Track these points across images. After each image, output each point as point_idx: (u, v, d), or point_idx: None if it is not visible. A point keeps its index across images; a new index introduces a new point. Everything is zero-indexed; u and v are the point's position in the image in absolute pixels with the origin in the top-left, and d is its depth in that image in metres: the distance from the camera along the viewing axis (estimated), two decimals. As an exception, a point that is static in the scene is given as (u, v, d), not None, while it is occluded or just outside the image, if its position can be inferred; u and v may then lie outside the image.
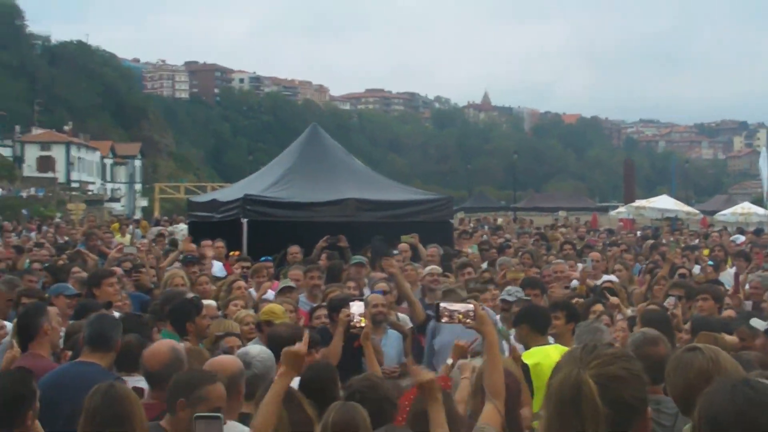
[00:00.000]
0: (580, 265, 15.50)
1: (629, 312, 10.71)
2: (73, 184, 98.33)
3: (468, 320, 5.79)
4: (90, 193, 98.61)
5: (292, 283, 12.26)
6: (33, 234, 30.78)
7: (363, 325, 7.99)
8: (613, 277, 14.27)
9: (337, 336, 8.90)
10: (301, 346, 5.86)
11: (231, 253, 16.72)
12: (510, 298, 10.83)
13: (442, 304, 6.01)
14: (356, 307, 8.08)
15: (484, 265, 16.74)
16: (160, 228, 30.73)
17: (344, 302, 9.20)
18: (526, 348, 8.60)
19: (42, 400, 5.51)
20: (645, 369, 3.27)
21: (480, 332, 5.86)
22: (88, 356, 6.98)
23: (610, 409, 3.00)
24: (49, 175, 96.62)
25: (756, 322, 8.17)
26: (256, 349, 6.90)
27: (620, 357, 3.16)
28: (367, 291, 12.59)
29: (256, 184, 21.61)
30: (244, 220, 18.80)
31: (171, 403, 5.51)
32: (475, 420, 5.49)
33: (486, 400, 5.52)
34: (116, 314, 9.80)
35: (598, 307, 10.19)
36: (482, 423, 5.29)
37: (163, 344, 6.71)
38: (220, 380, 5.63)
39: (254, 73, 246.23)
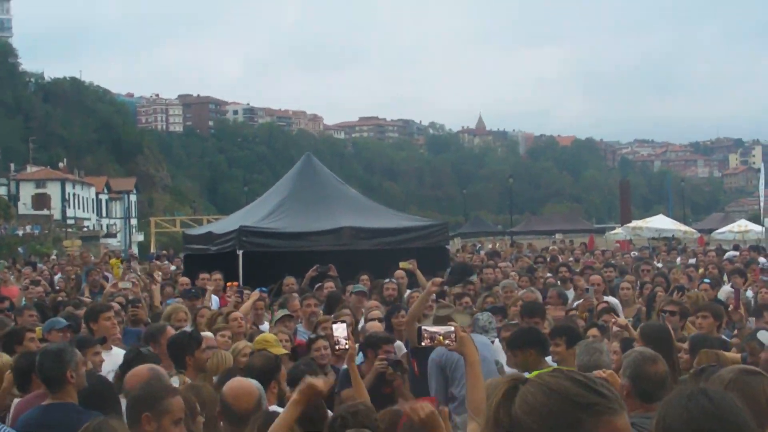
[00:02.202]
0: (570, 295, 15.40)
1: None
2: (69, 221, 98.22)
3: (448, 342, 5.80)
4: (85, 229, 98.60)
5: (289, 312, 12.25)
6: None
7: (347, 347, 7.95)
8: (611, 299, 14.22)
9: (368, 378, 8.89)
10: (324, 383, 5.78)
11: (228, 284, 16.68)
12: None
13: (423, 327, 6.03)
14: (339, 330, 8.02)
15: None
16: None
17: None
18: (529, 372, 8.52)
19: None
20: (642, 388, 3.20)
21: (461, 353, 5.87)
22: (57, 396, 6.88)
23: None
24: (45, 212, 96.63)
25: (763, 335, 8.12)
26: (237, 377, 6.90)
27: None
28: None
29: (252, 215, 21.63)
30: (240, 252, 18.81)
31: (135, 418, 5.54)
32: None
33: (469, 420, 5.49)
34: (115, 349, 9.81)
35: (593, 331, 10.10)
36: None
37: (143, 367, 6.78)
38: (247, 405, 5.66)
39: (248, 104, 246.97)
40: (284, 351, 9.57)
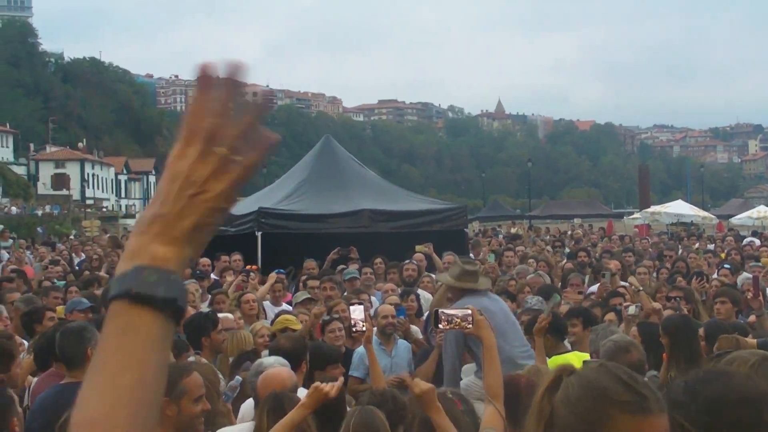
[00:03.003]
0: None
1: (657, 305, 10.58)
2: (88, 201, 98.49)
3: (466, 325, 5.79)
4: (104, 209, 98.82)
5: (310, 295, 12.24)
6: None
7: (364, 329, 7.95)
8: (627, 284, 14.10)
9: (432, 357, 8.99)
10: (333, 390, 5.79)
11: (248, 267, 16.66)
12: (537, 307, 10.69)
13: (441, 310, 6.03)
14: (357, 312, 8.03)
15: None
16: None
17: (331, 361, 8.84)
18: (547, 356, 8.56)
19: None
20: None
21: (478, 337, 5.86)
22: (76, 374, 6.79)
23: None
24: (64, 192, 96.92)
25: None
26: (270, 359, 6.87)
27: None
28: (375, 301, 12.57)
29: (270, 196, 21.62)
30: (259, 233, 18.79)
31: None
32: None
33: (486, 402, 5.49)
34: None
35: (611, 316, 10.07)
36: (485, 425, 5.26)
37: None
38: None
39: (267, 86, 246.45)
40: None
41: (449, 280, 9.07)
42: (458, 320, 5.81)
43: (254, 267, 16.38)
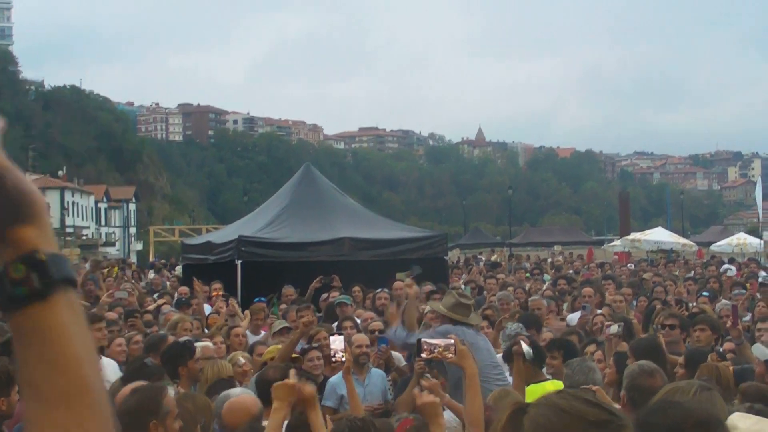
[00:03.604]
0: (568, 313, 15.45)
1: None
2: (68, 229, 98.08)
3: (449, 354, 5.81)
4: (84, 237, 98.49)
5: (288, 324, 12.24)
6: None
7: (344, 359, 7.95)
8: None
9: (411, 384, 8.94)
10: (289, 379, 5.84)
11: (215, 293, 16.52)
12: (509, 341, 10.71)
13: (423, 339, 6.05)
14: (337, 343, 8.02)
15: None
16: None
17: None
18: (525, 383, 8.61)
19: None
20: (637, 399, 3.22)
21: (461, 366, 5.89)
22: None
23: None
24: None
25: (758, 350, 8.11)
26: (237, 391, 6.85)
27: None
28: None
29: (250, 225, 21.63)
30: (239, 262, 18.79)
31: (141, 428, 5.41)
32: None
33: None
34: (107, 360, 9.77)
35: (591, 348, 10.05)
36: None
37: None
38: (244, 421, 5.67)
39: (248, 113, 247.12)
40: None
41: (442, 309, 9.12)
42: (440, 349, 5.84)
43: (217, 287, 16.32)
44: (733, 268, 27.16)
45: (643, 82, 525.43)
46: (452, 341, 5.92)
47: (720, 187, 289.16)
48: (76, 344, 1.44)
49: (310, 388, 5.97)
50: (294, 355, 9.55)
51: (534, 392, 7.87)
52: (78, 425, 1.41)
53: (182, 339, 9.81)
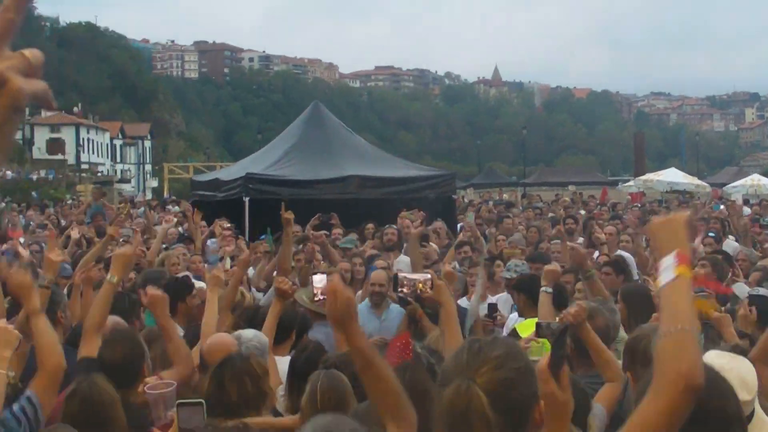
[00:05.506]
0: (581, 239, 15.46)
1: None
2: (83, 166, 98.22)
3: (427, 289, 5.81)
4: (99, 174, 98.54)
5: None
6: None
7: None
8: (624, 253, 13.98)
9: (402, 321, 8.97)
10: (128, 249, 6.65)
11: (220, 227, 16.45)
12: (508, 275, 10.71)
13: (401, 275, 6.05)
14: (319, 282, 7.86)
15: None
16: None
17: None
18: (521, 316, 8.67)
19: None
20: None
21: (438, 301, 5.87)
22: None
23: (502, 415, 2.87)
24: (59, 157, 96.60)
25: (739, 288, 8.10)
26: (249, 333, 6.85)
27: (509, 357, 3.00)
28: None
29: (259, 162, 21.61)
30: (246, 199, 18.80)
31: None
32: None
33: None
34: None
35: (580, 285, 9.80)
36: None
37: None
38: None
39: (264, 52, 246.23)
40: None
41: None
42: (420, 285, 5.84)
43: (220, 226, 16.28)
44: (747, 209, 27.02)
45: (660, 23, 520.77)
46: (429, 276, 5.90)
47: (737, 128, 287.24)
48: None
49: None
50: None
51: (528, 326, 7.82)
52: None
53: (180, 275, 9.81)
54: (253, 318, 7.59)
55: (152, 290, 6.50)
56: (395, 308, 9.83)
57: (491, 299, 10.39)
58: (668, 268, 2.84)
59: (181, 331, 7.29)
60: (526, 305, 8.64)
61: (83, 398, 5.05)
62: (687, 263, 2.86)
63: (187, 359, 6.40)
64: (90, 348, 6.06)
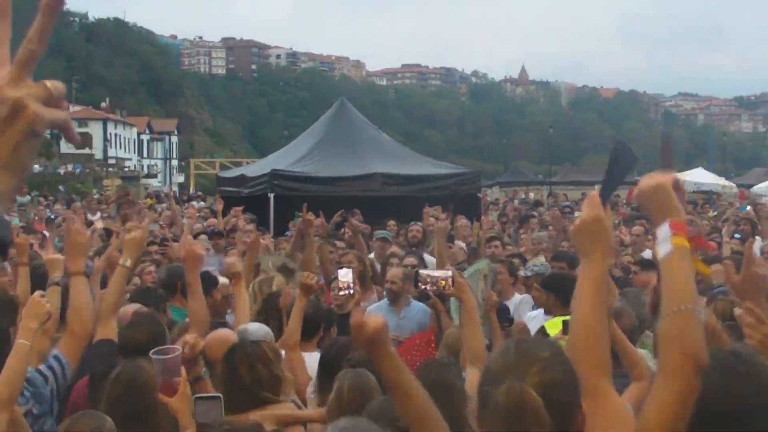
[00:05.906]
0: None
1: None
2: (110, 161, 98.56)
3: (448, 286, 5.82)
4: (126, 169, 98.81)
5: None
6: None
7: (352, 292, 7.75)
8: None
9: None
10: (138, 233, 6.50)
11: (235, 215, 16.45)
12: (526, 273, 10.72)
13: (422, 272, 6.05)
14: (345, 275, 7.84)
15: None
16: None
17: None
18: (547, 314, 8.65)
19: None
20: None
21: (459, 299, 5.88)
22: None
23: (552, 416, 2.82)
24: (86, 151, 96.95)
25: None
26: (254, 326, 6.88)
27: (556, 357, 2.97)
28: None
29: (284, 159, 21.71)
30: (271, 195, 18.87)
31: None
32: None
33: (468, 366, 5.53)
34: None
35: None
36: (472, 391, 5.29)
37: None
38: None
39: (291, 48, 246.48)
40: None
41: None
42: (442, 282, 5.85)
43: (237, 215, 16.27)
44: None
45: (689, 23, 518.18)
46: (451, 273, 5.91)
47: (765, 129, 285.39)
48: None
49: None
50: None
51: (556, 325, 7.84)
52: None
53: (203, 269, 9.80)
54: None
55: (193, 245, 6.62)
56: (416, 305, 9.74)
57: (510, 300, 10.36)
58: (665, 240, 2.91)
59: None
60: (555, 304, 8.62)
61: (128, 381, 5.09)
62: (682, 232, 2.92)
63: (204, 321, 6.56)
64: (106, 330, 6.13)
